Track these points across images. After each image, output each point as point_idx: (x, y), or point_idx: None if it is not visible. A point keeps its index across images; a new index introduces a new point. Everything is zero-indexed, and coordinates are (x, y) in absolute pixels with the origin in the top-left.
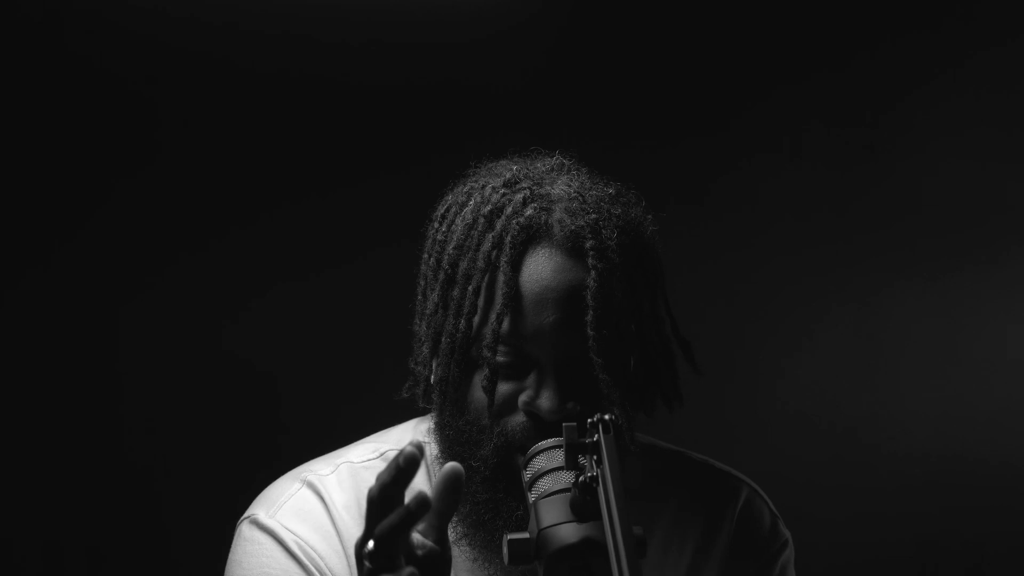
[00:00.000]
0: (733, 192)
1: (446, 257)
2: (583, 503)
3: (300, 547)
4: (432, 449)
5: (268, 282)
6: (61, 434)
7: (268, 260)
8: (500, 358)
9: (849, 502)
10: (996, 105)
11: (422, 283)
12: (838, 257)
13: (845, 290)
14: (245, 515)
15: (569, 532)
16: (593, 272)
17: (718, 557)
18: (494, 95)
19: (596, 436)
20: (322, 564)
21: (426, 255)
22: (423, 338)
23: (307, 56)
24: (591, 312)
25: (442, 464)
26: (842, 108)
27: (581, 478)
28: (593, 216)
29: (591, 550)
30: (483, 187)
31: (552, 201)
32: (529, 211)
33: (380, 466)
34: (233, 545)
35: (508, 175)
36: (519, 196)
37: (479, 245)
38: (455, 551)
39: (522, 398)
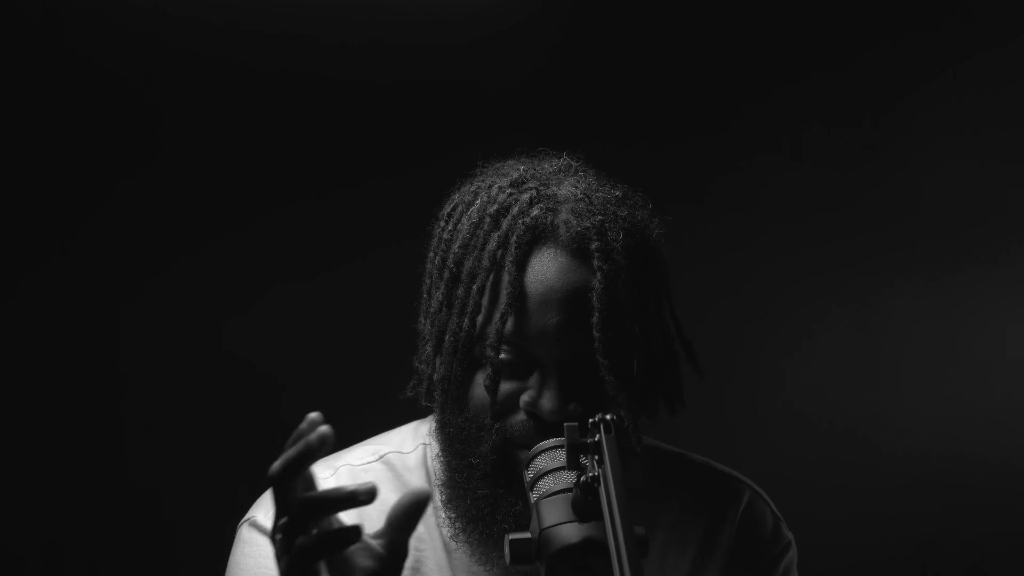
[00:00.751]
0: (733, 192)
1: (451, 256)
2: (585, 503)
3: None
4: (433, 448)
5: (268, 282)
6: (61, 434)
7: (268, 260)
8: (503, 357)
9: (849, 502)
10: (996, 105)
11: (427, 281)
12: (838, 257)
13: (845, 290)
14: (245, 517)
15: (571, 532)
16: (599, 274)
17: (719, 559)
18: (494, 95)
19: (598, 436)
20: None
21: (431, 253)
22: (427, 336)
23: (307, 56)
24: (597, 314)
25: (442, 464)
26: (842, 108)
27: (583, 478)
28: (599, 218)
29: (593, 550)
30: (490, 187)
31: (558, 202)
32: (535, 211)
33: (379, 468)
34: (233, 547)
35: (515, 175)
36: (525, 196)
37: (484, 244)
38: (455, 551)
39: (524, 398)
